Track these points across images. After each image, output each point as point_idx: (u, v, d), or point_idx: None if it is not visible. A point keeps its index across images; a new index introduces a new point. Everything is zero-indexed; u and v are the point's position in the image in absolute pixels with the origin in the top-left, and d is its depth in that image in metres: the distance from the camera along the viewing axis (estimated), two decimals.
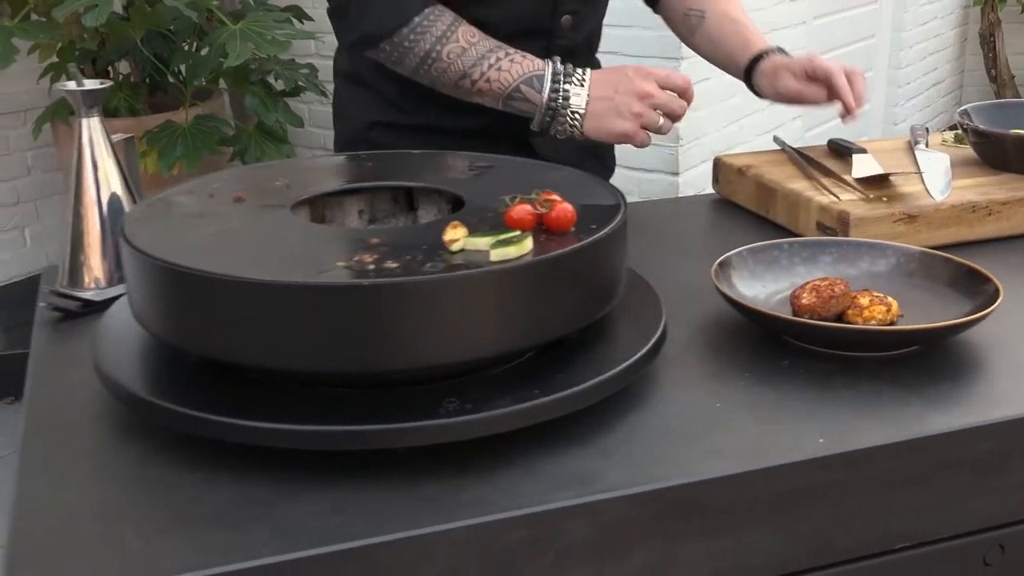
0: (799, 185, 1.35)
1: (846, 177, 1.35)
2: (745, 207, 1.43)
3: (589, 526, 0.78)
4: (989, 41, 5.02)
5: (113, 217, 1.19)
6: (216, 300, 0.79)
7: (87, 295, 1.15)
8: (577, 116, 1.27)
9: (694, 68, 2.86)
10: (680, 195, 2.89)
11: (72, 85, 1.16)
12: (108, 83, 1.18)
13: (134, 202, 1.20)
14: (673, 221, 1.45)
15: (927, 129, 1.56)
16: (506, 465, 0.81)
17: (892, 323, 1.01)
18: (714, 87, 3.00)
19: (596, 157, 1.56)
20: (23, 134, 3.15)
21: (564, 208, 0.89)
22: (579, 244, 0.85)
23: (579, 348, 0.91)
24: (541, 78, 1.28)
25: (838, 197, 1.29)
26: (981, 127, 1.41)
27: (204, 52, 2.69)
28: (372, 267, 0.81)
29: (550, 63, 1.28)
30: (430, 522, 0.75)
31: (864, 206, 1.26)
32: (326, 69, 3.32)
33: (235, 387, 0.87)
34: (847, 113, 1.39)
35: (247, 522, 0.75)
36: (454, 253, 0.84)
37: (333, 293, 0.78)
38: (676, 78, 1.29)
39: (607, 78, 1.29)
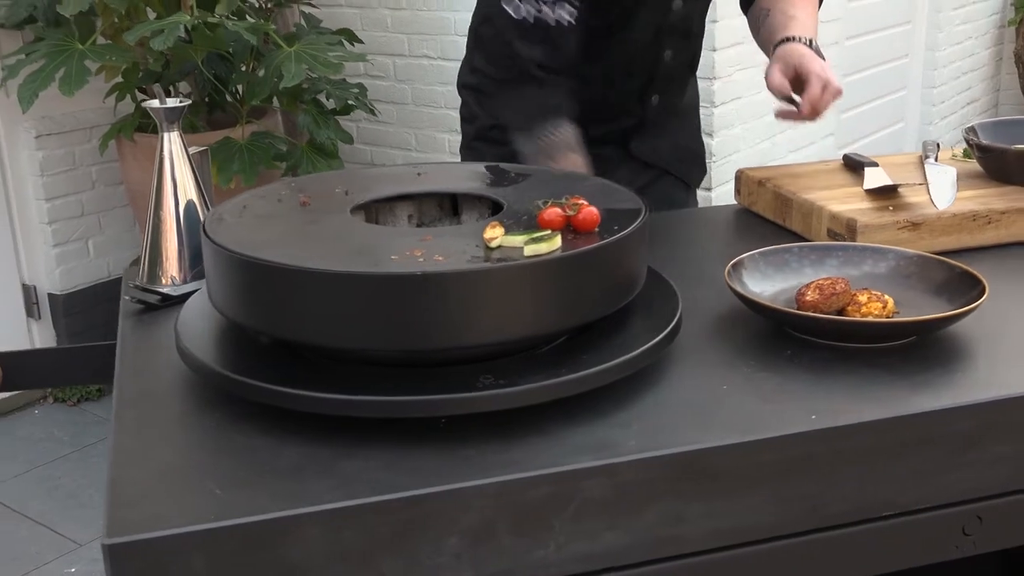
0: (813, 195, 1.46)
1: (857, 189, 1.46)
2: (764, 216, 1.55)
3: (605, 485, 0.90)
4: None
5: (189, 222, 1.33)
6: (288, 288, 0.93)
7: (165, 290, 1.28)
8: None
9: (725, 88, 2.98)
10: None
11: (155, 103, 1.30)
12: (187, 101, 1.32)
13: (207, 208, 1.34)
14: (699, 228, 1.57)
15: (938, 144, 1.66)
16: (535, 433, 0.93)
17: (888, 318, 1.12)
18: (746, 106, 3.11)
19: (692, 159, 1.79)
20: (88, 150, 3.33)
21: (590, 211, 1.01)
22: (601, 242, 0.97)
23: (605, 335, 1.03)
24: None
25: None
26: (984, 142, 1.51)
27: (261, 73, 2.85)
28: (421, 259, 0.94)
29: None
30: (467, 478, 0.87)
31: (871, 214, 1.37)
32: (375, 88, 3.51)
33: (297, 365, 1.00)
34: (798, 117, 1.50)
35: (313, 476, 0.88)
36: (493, 249, 0.97)
37: (388, 281, 0.91)
38: None
39: None
